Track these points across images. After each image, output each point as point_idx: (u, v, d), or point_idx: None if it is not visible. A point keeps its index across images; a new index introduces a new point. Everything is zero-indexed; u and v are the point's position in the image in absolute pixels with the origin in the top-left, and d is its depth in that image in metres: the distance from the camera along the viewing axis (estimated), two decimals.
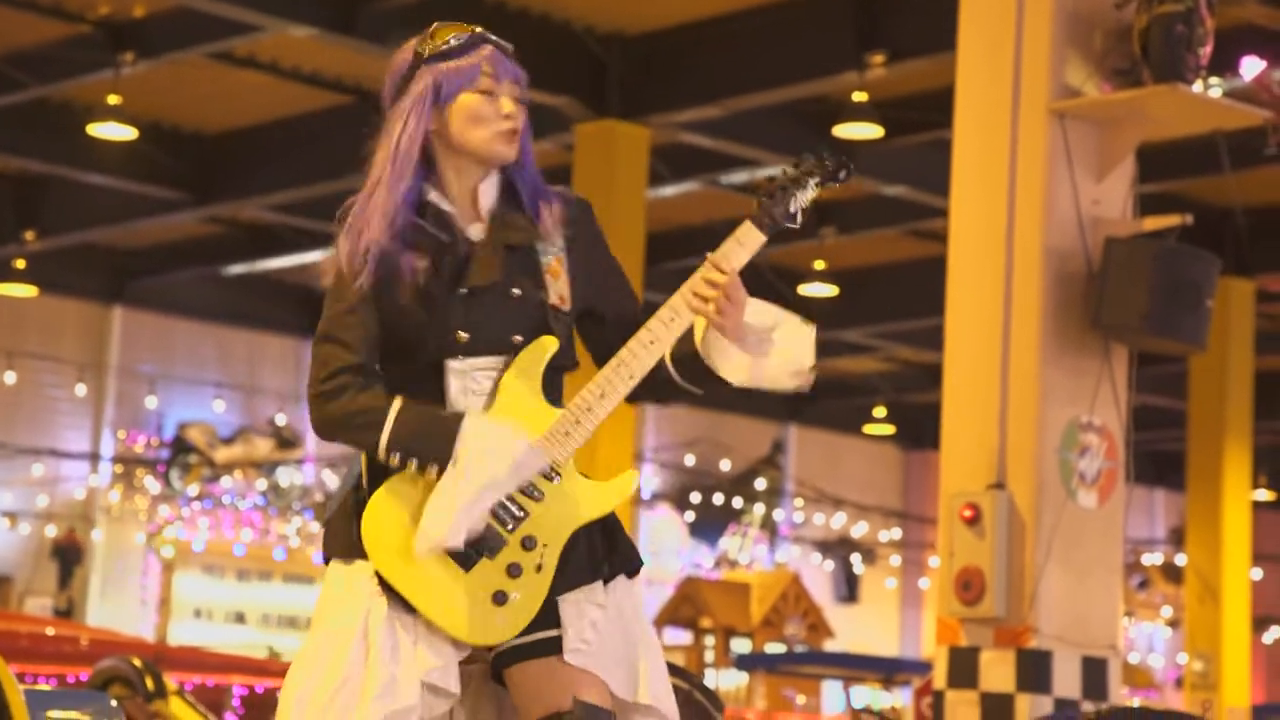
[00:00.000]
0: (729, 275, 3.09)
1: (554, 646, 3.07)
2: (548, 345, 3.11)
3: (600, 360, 3.19)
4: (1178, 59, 6.91)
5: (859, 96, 12.04)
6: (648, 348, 3.09)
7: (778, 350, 3.17)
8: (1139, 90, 7.03)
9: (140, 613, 19.05)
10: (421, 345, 3.09)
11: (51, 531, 18.71)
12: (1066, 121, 7.10)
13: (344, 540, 3.13)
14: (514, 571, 3.05)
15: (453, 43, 3.17)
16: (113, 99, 12.66)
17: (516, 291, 3.12)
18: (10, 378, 18.19)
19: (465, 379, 3.11)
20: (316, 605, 3.14)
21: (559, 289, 3.15)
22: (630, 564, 3.17)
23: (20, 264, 16.88)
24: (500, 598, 3.05)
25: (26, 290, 17.35)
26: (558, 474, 3.08)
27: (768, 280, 17.31)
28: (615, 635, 3.11)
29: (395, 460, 3.05)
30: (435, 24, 3.21)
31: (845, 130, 12.29)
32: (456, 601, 3.04)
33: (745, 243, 3.13)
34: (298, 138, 14.55)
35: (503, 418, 3.07)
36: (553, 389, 3.15)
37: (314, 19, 11.64)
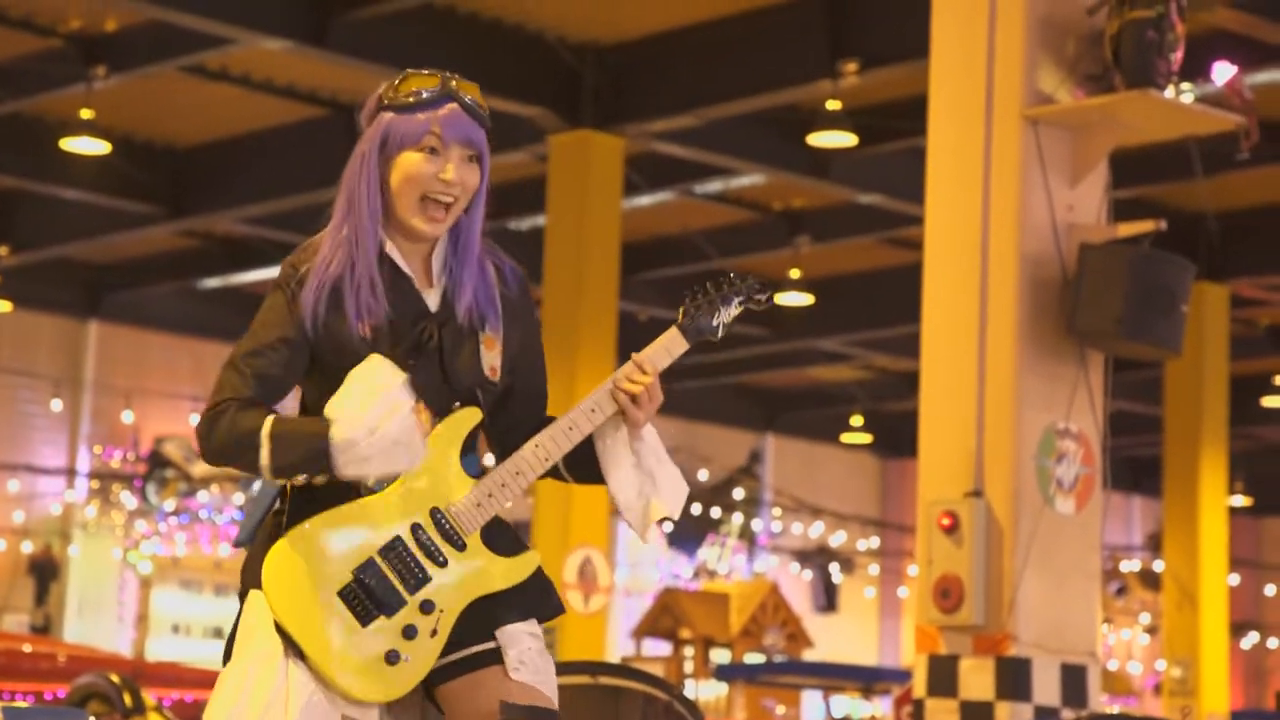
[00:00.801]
0: (651, 376, 3.19)
1: (493, 658, 3.12)
2: (470, 417, 3.16)
3: (496, 426, 3.24)
4: (1149, 65, 6.93)
5: (833, 105, 12.06)
6: (567, 434, 3.17)
7: (665, 483, 3.26)
8: (1111, 96, 7.04)
9: (118, 629, 18.98)
10: None
11: (28, 547, 18.63)
12: (1040, 128, 7.11)
13: (259, 574, 3.14)
14: (409, 633, 3.07)
15: (412, 97, 3.13)
16: (85, 113, 12.62)
17: (460, 367, 3.16)
18: None
19: None
20: (239, 630, 3.13)
21: (491, 361, 3.19)
22: (555, 613, 3.25)
23: None
24: (393, 657, 3.06)
25: (1, 305, 17.30)
26: (464, 542, 3.12)
27: None
28: (545, 661, 3.18)
29: (287, 480, 3.07)
30: (408, 71, 3.18)
31: (819, 139, 12.31)
32: (348, 656, 3.05)
33: (671, 349, 3.24)
34: (271, 150, 14.53)
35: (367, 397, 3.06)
36: (473, 454, 3.21)
37: (286, 31, 11.62)
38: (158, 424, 19.39)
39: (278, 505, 3.17)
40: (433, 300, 3.18)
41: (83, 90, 12.68)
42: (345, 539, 3.08)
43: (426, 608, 3.08)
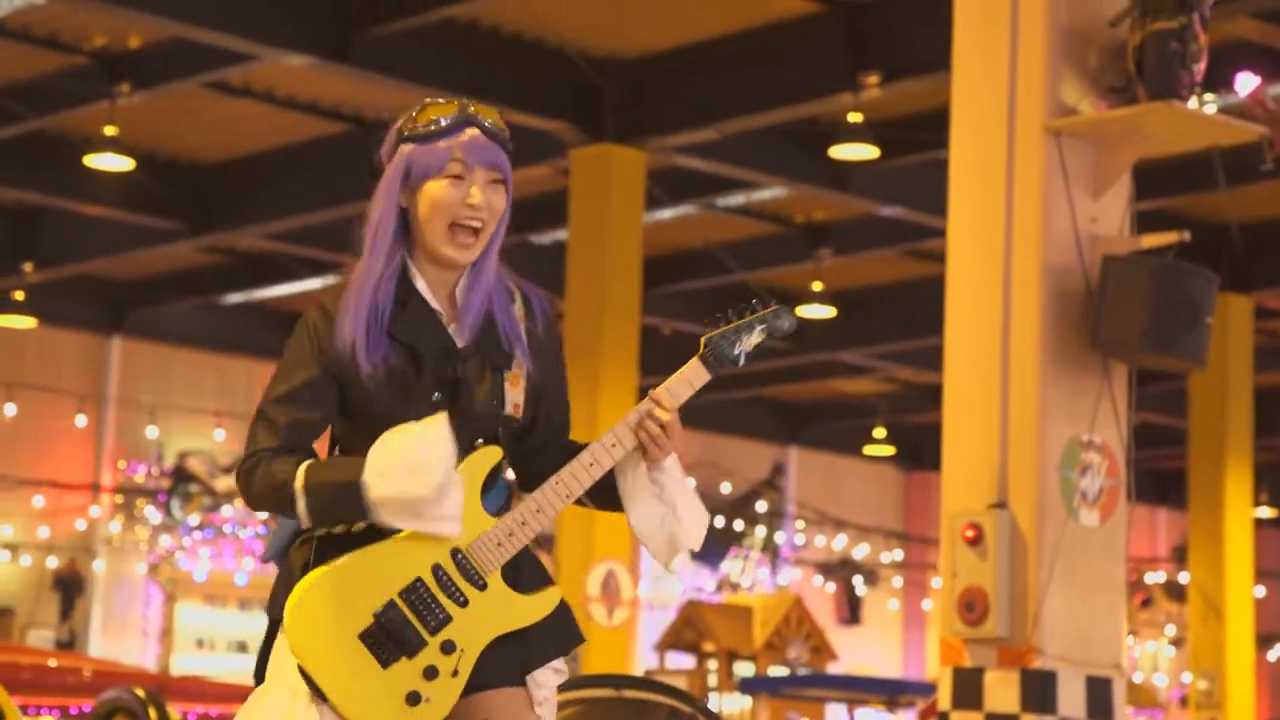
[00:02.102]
0: (670, 413, 3.17)
1: (517, 677, 3.14)
2: (491, 456, 3.15)
3: (518, 454, 3.24)
4: (1172, 76, 6.91)
5: (854, 117, 12.06)
6: (588, 469, 3.16)
7: (686, 512, 3.28)
8: (1134, 107, 7.03)
9: (142, 643, 19.01)
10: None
11: (53, 563, 18.68)
12: (1062, 140, 7.10)
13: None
14: (430, 674, 3.08)
15: (433, 126, 3.12)
16: (109, 130, 12.67)
17: (483, 403, 3.15)
18: (10, 409, 18.19)
19: None
20: (272, 662, 3.14)
21: (515, 398, 3.19)
22: (576, 644, 3.27)
23: (19, 296, 16.89)
24: (414, 698, 3.07)
25: (26, 322, 17.36)
26: (485, 582, 3.12)
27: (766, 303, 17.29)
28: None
29: (322, 525, 3.09)
30: (425, 101, 3.18)
31: (841, 151, 12.31)
32: (370, 697, 3.06)
33: (693, 381, 3.22)
34: (294, 166, 14.57)
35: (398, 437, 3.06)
36: (498, 482, 3.20)
37: (309, 48, 11.66)
38: (182, 439, 19.44)
39: (299, 532, 3.18)
40: (458, 335, 3.17)
41: (106, 107, 12.73)
42: (366, 581, 3.09)
43: (448, 648, 3.08)
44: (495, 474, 3.17)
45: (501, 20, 12.12)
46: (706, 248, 16.17)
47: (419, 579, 3.09)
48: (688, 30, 12.26)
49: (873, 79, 11.64)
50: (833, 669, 16.60)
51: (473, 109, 3.15)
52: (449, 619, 3.09)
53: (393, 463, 3.00)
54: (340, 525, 3.09)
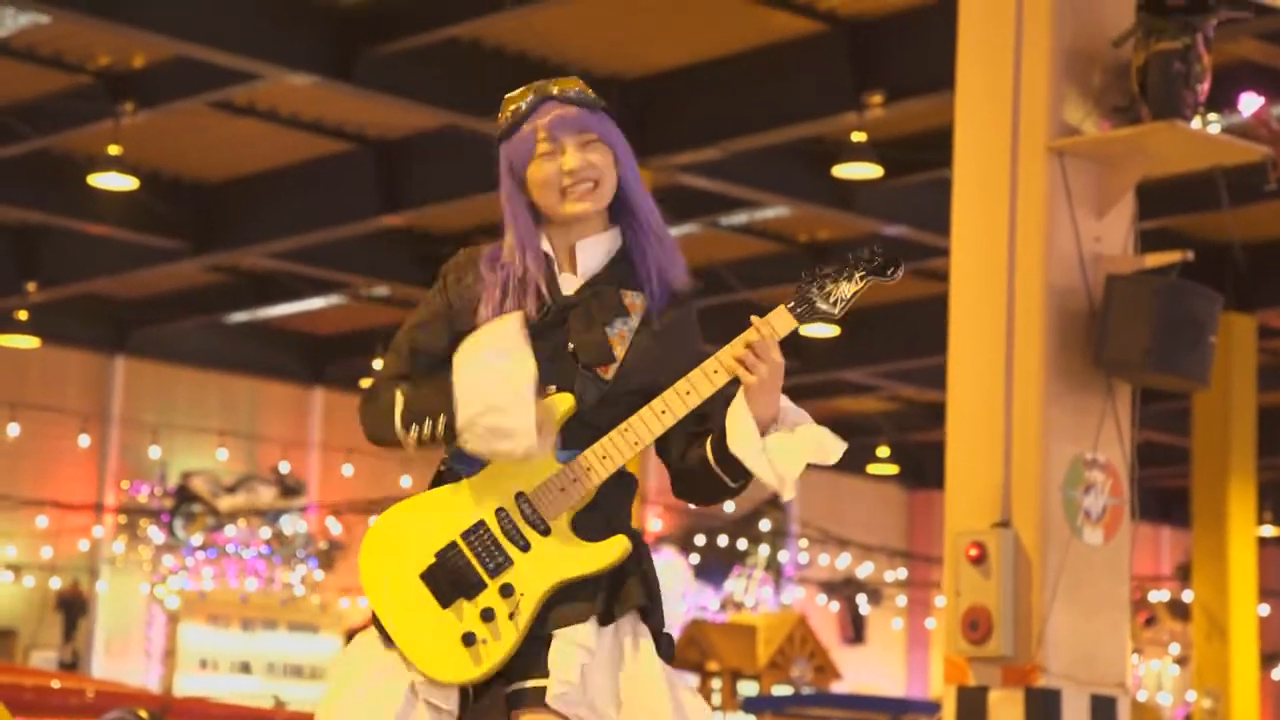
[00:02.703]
0: (767, 337, 3.07)
1: (541, 696, 3.08)
2: (561, 402, 3.13)
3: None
4: (1176, 96, 6.93)
5: (858, 137, 12.07)
6: (659, 416, 3.10)
7: (805, 433, 3.16)
8: (1138, 127, 7.04)
9: (145, 664, 18.99)
10: None
11: (56, 584, 18.66)
12: (1066, 159, 7.11)
13: None
14: (487, 616, 3.09)
15: (512, 117, 3.21)
16: (113, 149, 12.69)
17: (569, 349, 3.15)
18: (14, 429, 18.19)
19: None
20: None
21: (608, 359, 3.15)
22: (631, 604, 3.14)
23: (22, 315, 16.90)
24: (469, 639, 3.09)
25: (29, 341, 17.37)
26: (548, 527, 3.12)
27: None
28: (605, 678, 3.10)
29: (413, 434, 3.12)
30: (506, 96, 3.26)
31: (844, 170, 12.31)
32: (427, 635, 3.11)
33: (777, 327, 3.11)
34: (298, 185, 14.58)
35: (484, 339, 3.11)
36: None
37: (312, 67, 11.68)
38: (185, 459, 19.43)
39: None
40: (569, 286, 3.20)
41: (110, 126, 12.75)
42: (432, 522, 3.14)
43: (506, 591, 3.09)
44: (578, 432, 3.13)
45: (505, 40, 12.14)
46: (710, 266, 16.18)
47: (481, 521, 3.12)
48: (691, 49, 12.28)
49: (876, 98, 11.66)
50: (836, 688, 16.58)
51: (551, 87, 3.22)
52: (509, 562, 3.10)
53: (474, 349, 3.08)
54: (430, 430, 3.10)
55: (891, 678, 23.76)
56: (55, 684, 10.25)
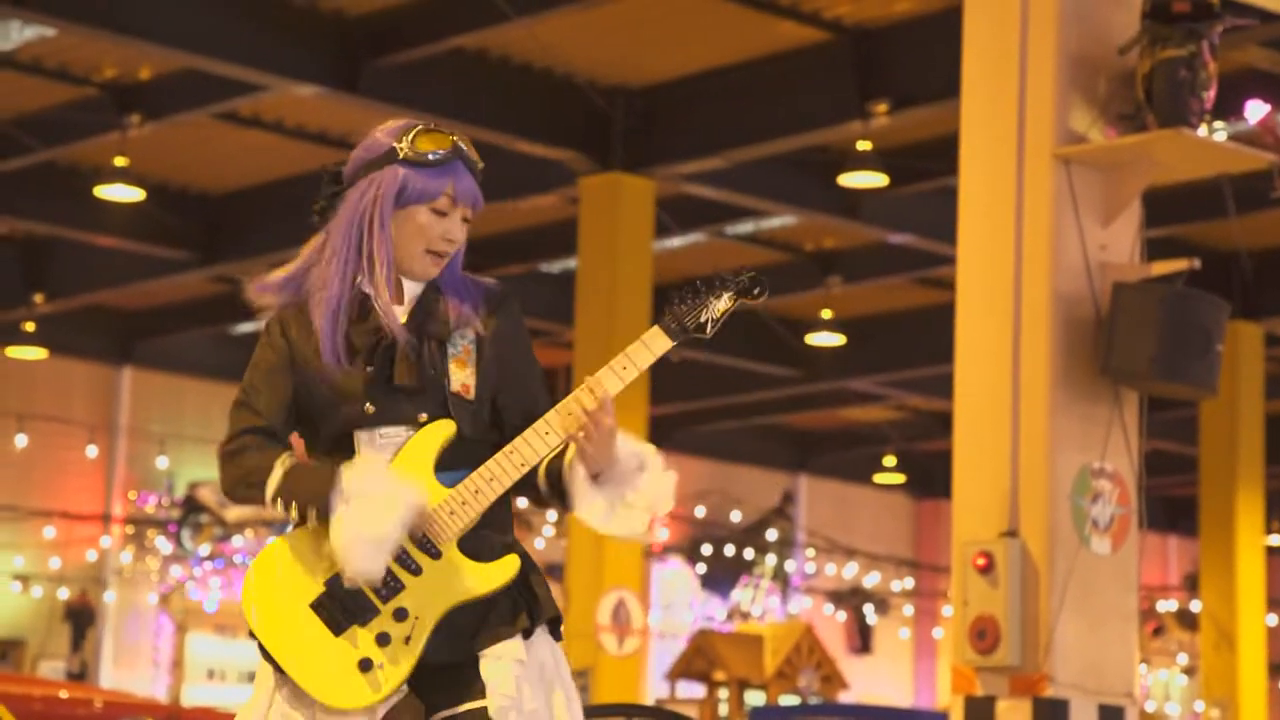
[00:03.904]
0: (594, 403, 3.12)
1: (482, 717, 3.12)
2: (441, 430, 3.19)
3: (494, 445, 3.25)
4: (1182, 103, 6.92)
5: (863, 145, 12.08)
6: (543, 438, 3.16)
7: (640, 495, 3.22)
8: (1144, 135, 7.04)
9: (153, 674, 18.99)
10: (333, 415, 3.21)
11: (64, 594, 18.67)
12: (1072, 167, 7.10)
13: None
14: (382, 640, 3.12)
15: (430, 157, 3.24)
16: (120, 160, 12.71)
17: (424, 378, 3.20)
18: (21, 440, 18.20)
19: (372, 445, 3.20)
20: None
21: (463, 378, 3.22)
22: (548, 615, 3.22)
23: (29, 327, 16.92)
24: (366, 664, 3.11)
25: (36, 353, 17.39)
26: (439, 550, 3.14)
27: (775, 331, 17.32)
28: (537, 689, 3.16)
29: (280, 508, 3.16)
30: (419, 127, 3.27)
31: (850, 179, 12.32)
32: (322, 664, 3.12)
33: (652, 348, 3.17)
34: (304, 196, 14.42)
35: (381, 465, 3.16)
36: (473, 464, 3.20)
37: (318, 78, 11.70)
38: (192, 469, 19.44)
39: None
40: (398, 318, 3.24)
41: (117, 138, 12.77)
42: (317, 552, 3.15)
43: (400, 615, 3.12)
44: (461, 456, 3.19)
45: (510, 50, 12.15)
46: (716, 276, 16.18)
47: None
48: (696, 59, 12.28)
49: (882, 107, 11.65)
50: (844, 698, 16.54)
51: (464, 146, 3.27)
52: (401, 587, 3.13)
53: (364, 488, 3.09)
54: (292, 508, 3.15)
55: (899, 688, 23.73)
56: (63, 694, 10.25)
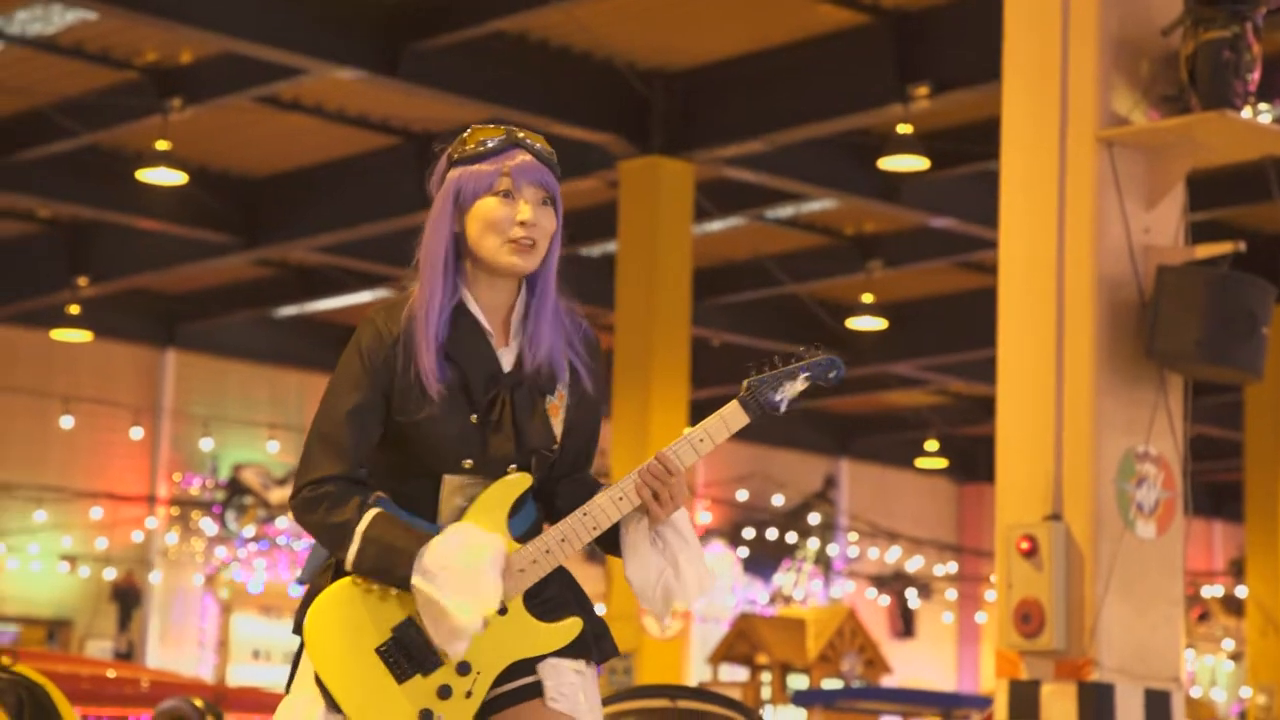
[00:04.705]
0: (674, 476, 3.14)
1: (535, 690, 3.13)
2: (521, 483, 3.16)
3: (537, 489, 3.22)
4: (1226, 85, 6.85)
5: (904, 129, 12.02)
6: (617, 504, 3.14)
7: (687, 568, 3.20)
8: (1187, 117, 6.98)
9: (199, 655, 19.11)
10: (428, 458, 3.14)
11: (110, 575, 18.80)
12: (1115, 150, 7.05)
13: None
14: (444, 693, 3.09)
15: (481, 147, 3.15)
16: (161, 144, 12.76)
17: (528, 431, 3.15)
18: (67, 422, 18.33)
19: (458, 493, 3.15)
20: (299, 669, 3.18)
21: (555, 428, 3.19)
22: (607, 657, 3.24)
23: (74, 310, 17.02)
24: (426, 716, 3.08)
25: (81, 336, 17.49)
26: (505, 607, 3.11)
27: (815, 315, 17.28)
28: (591, 699, 3.17)
29: (366, 578, 3.11)
30: (473, 126, 3.20)
31: (891, 163, 12.26)
32: (383, 711, 3.08)
33: (730, 424, 3.18)
34: (345, 179, 14.63)
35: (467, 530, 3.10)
36: (527, 505, 3.19)
37: (359, 61, 11.71)
38: (236, 451, 19.54)
39: (331, 560, 3.21)
40: (507, 359, 3.17)
41: (159, 122, 12.82)
42: (386, 597, 3.11)
43: (463, 669, 3.09)
44: (522, 500, 3.18)
45: (550, 33, 12.14)
46: (756, 260, 16.15)
47: None
48: (736, 42, 12.25)
49: (922, 90, 11.60)
50: (886, 682, 16.52)
51: (520, 133, 3.17)
52: None
53: (450, 568, 3.03)
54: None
55: (941, 672, 23.69)
56: (111, 673, 10.32)
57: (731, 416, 3.17)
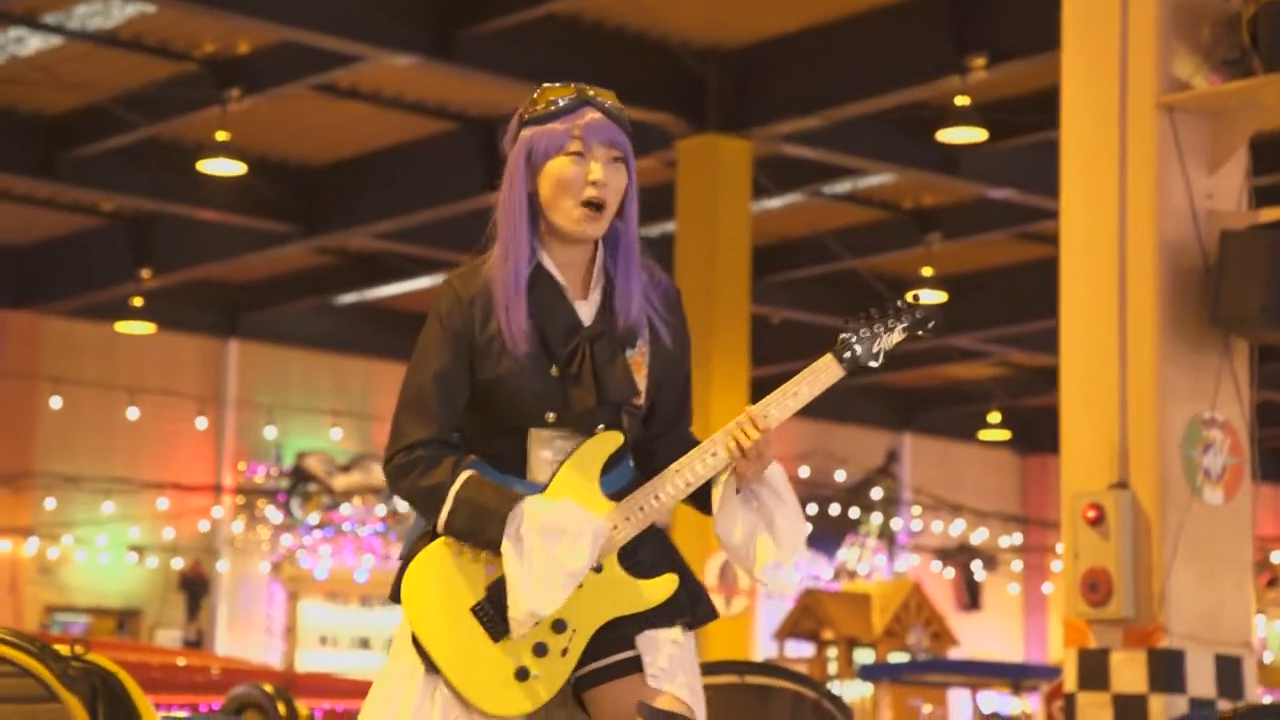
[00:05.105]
0: (759, 433, 3.12)
1: (634, 666, 3.13)
2: (612, 441, 3.16)
3: (634, 447, 3.23)
4: None
5: (961, 100, 11.97)
6: (705, 461, 3.14)
7: (783, 523, 3.19)
8: (1249, 80, 6.93)
9: (267, 641, 19.27)
10: (511, 414, 3.15)
11: (178, 564, 18.98)
12: (1176, 115, 7.01)
13: None
14: (540, 651, 3.10)
15: (551, 106, 3.15)
16: (221, 135, 12.85)
17: (611, 383, 3.15)
18: (133, 413, 18.49)
19: (546, 446, 3.16)
20: (395, 640, 3.22)
21: (640, 382, 3.19)
22: (706, 619, 3.23)
23: (138, 302, 17.17)
24: (522, 674, 3.10)
25: (145, 327, 17.64)
26: (600, 564, 3.12)
27: (875, 290, 17.24)
28: (689, 672, 3.17)
29: (459, 540, 3.13)
30: (544, 86, 3.21)
31: (949, 135, 12.21)
32: (480, 670, 3.09)
33: (824, 378, 3.17)
34: (402, 166, 14.69)
35: (559, 497, 3.11)
36: (623, 463, 3.20)
37: (414, 47, 11.76)
38: (299, 439, 19.68)
39: (427, 529, 3.22)
40: (585, 313, 3.19)
41: (218, 112, 12.91)
42: (479, 558, 3.13)
43: (558, 627, 3.10)
44: (617, 457, 3.18)
45: (604, 14, 12.15)
46: (815, 236, 16.12)
47: None
48: (791, 18, 12.22)
49: (979, 61, 11.54)
50: (954, 654, 16.49)
51: (590, 91, 3.17)
52: None
53: (537, 548, 3.04)
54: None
55: (1009, 643, 23.62)
56: (181, 662, 10.43)
57: (825, 370, 3.16)
